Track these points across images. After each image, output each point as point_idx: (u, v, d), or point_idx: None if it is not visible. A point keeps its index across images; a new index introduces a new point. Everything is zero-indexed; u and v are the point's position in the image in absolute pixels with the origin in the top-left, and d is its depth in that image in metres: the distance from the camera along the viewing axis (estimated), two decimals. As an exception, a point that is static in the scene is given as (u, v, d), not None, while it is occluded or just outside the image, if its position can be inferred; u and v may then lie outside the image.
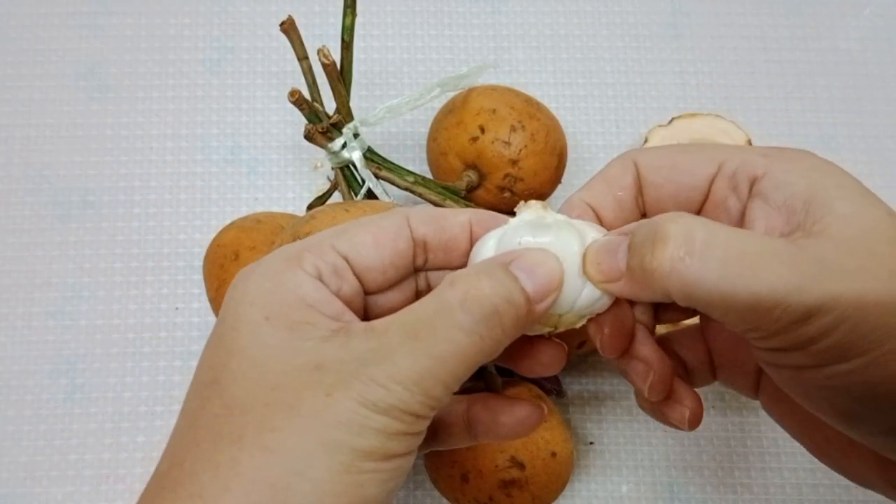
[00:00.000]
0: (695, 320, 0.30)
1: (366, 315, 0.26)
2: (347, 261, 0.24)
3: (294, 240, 0.35)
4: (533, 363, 0.26)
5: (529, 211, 0.26)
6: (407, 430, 0.22)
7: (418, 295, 0.27)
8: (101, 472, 0.44)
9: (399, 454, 0.22)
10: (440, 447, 0.28)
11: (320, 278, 0.24)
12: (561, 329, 0.26)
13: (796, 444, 0.45)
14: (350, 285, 0.25)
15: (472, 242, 0.26)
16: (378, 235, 0.25)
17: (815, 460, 0.44)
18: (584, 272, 0.24)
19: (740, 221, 0.26)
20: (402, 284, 0.27)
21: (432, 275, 0.27)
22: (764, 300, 0.22)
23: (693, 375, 0.29)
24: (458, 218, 0.26)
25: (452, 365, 0.22)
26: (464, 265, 0.27)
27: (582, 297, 0.25)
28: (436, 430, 0.27)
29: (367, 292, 0.25)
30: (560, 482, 0.40)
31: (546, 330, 0.26)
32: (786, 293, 0.21)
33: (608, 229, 0.27)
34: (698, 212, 0.27)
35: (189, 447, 0.22)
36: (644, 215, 0.28)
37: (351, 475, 0.21)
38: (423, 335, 0.22)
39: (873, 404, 0.23)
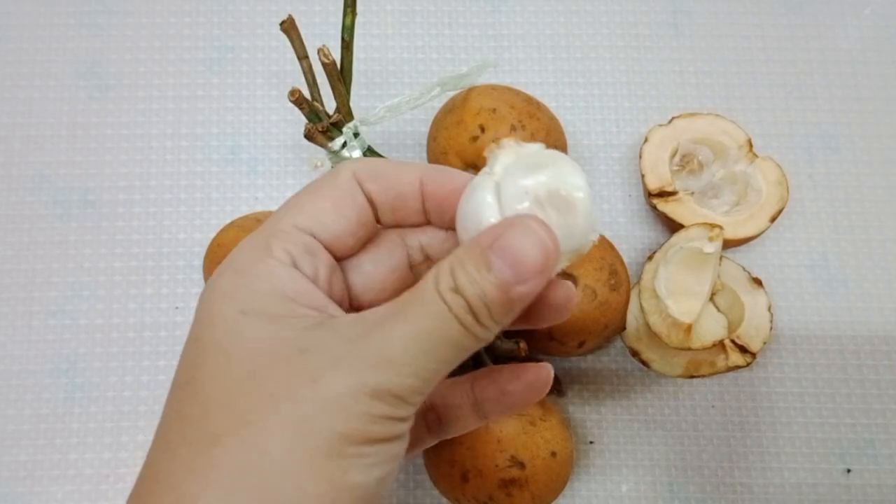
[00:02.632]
0: None
1: (357, 294, 0.25)
2: (314, 236, 0.24)
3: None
4: (545, 310, 0.25)
5: (507, 152, 0.24)
6: (391, 413, 0.21)
7: (413, 267, 0.26)
8: (101, 471, 0.44)
9: (383, 439, 0.21)
10: (451, 434, 0.27)
11: (294, 264, 0.23)
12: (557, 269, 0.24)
13: (796, 443, 0.45)
14: (325, 263, 0.24)
15: (423, 201, 0.25)
16: (335, 199, 0.24)
17: (815, 460, 0.45)
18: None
19: None
20: (386, 252, 0.26)
21: (426, 242, 0.26)
22: None
23: None
24: (407, 176, 0.25)
25: (443, 351, 0.21)
26: (417, 224, 0.26)
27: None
28: (442, 417, 0.27)
29: (340, 258, 0.25)
30: (560, 482, 0.40)
31: None
32: None
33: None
34: None
35: (164, 454, 0.21)
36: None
37: (333, 461, 0.20)
38: (412, 320, 0.21)
39: None
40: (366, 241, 0.25)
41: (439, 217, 0.26)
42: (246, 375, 0.21)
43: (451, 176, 0.25)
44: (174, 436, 0.21)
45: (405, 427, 0.22)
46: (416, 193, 0.25)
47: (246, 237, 0.24)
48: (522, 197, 0.23)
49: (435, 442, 0.28)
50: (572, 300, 0.25)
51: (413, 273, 0.27)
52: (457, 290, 0.21)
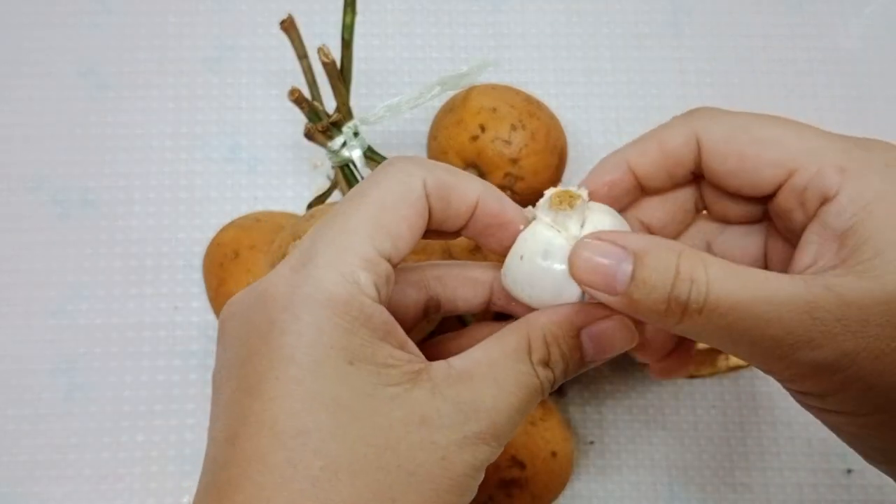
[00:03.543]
0: None
1: None
2: (390, 261, 0.23)
3: (294, 239, 0.34)
4: None
5: (577, 213, 0.25)
6: (483, 476, 0.23)
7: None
8: (100, 471, 0.44)
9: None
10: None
11: (378, 298, 0.22)
12: None
13: (796, 443, 0.45)
14: (391, 287, 0.24)
15: (470, 218, 0.26)
16: (411, 221, 0.23)
17: (815, 460, 0.44)
18: (571, 272, 0.24)
19: (800, 236, 0.24)
20: None
21: None
22: (770, 352, 0.21)
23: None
24: (467, 195, 0.25)
25: (525, 417, 0.24)
26: (452, 235, 0.26)
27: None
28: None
29: None
30: (560, 482, 0.40)
31: None
32: (794, 346, 0.21)
33: (651, 191, 0.27)
34: (764, 207, 0.26)
35: None
36: (696, 175, 0.26)
37: None
38: (511, 390, 0.23)
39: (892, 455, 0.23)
40: None
41: (474, 234, 0.26)
42: (372, 441, 0.21)
43: (507, 208, 0.26)
44: (296, 493, 0.20)
45: None
46: (469, 212, 0.25)
47: (323, 250, 0.22)
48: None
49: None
50: None
51: None
52: (548, 364, 0.24)
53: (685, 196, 0.27)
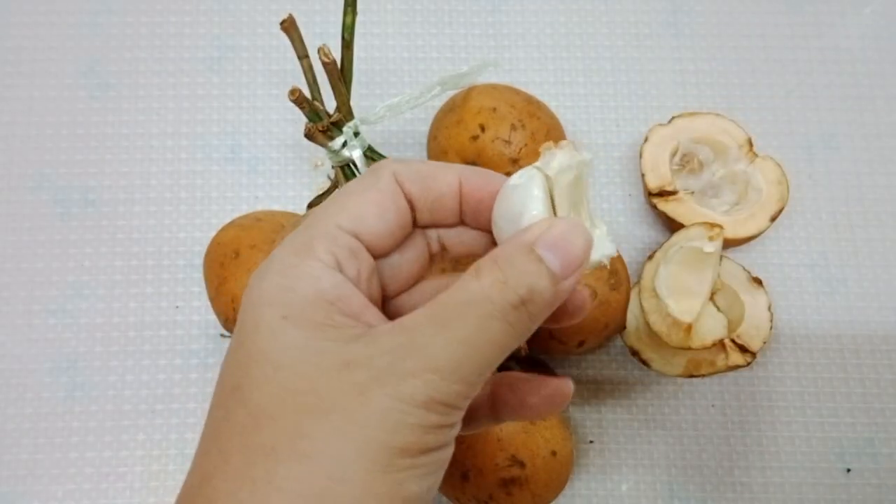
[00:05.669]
0: None
1: (384, 286, 0.26)
2: (357, 236, 0.24)
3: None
4: (565, 311, 0.25)
5: (563, 154, 0.25)
6: (443, 421, 0.21)
7: (432, 256, 0.27)
8: (101, 470, 0.44)
9: (435, 447, 0.22)
10: (464, 433, 0.27)
11: (339, 267, 0.23)
12: None
13: (796, 443, 0.45)
14: (366, 264, 0.24)
15: (461, 202, 0.26)
16: (378, 201, 0.24)
17: (815, 460, 0.45)
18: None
19: None
20: (412, 245, 0.26)
21: (443, 232, 0.27)
22: None
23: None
24: (447, 177, 0.25)
25: (487, 352, 0.22)
26: (451, 224, 0.26)
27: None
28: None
29: (377, 258, 0.25)
30: (560, 481, 0.40)
31: None
32: None
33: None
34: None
35: (218, 462, 0.21)
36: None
37: (390, 474, 0.21)
38: (454, 325, 0.21)
39: None
40: (401, 242, 0.26)
41: (474, 218, 0.26)
42: (292, 386, 0.21)
43: (490, 178, 0.26)
44: (227, 442, 0.21)
45: (455, 432, 0.23)
46: (454, 194, 0.26)
47: (288, 236, 0.24)
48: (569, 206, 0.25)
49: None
50: (589, 301, 0.26)
51: (432, 261, 0.27)
52: (506, 284, 0.22)
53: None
